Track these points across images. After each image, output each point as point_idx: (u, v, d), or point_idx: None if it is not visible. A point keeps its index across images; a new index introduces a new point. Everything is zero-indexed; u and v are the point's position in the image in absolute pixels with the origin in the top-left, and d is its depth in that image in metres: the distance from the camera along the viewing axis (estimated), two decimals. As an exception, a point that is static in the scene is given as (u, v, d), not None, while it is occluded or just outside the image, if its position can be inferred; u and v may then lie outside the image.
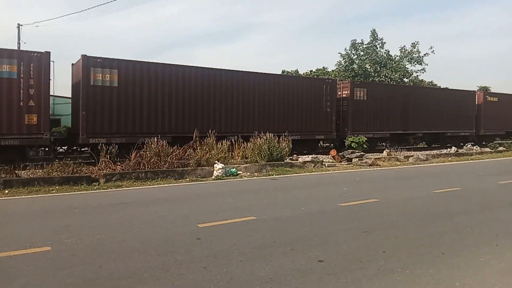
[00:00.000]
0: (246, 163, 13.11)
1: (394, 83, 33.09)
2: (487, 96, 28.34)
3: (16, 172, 10.56)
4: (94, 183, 10.01)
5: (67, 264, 4.40)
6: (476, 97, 27.74)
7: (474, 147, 23.14)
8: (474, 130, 26.74)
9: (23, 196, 8.61)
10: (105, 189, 9.59)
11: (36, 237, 5.40)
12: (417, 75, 37.91)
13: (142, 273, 4.17)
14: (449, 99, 25.52)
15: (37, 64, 12.51)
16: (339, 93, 20.76)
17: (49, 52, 12.79)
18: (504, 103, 28.86)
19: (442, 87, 34.95)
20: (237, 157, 13.72)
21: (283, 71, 38.35)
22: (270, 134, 14.00)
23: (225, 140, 13.65)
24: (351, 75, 35.46)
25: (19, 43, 30.53)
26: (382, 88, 23.32)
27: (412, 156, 17.64)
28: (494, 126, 28.05)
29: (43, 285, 3.84)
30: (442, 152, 20.38)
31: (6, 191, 8.93)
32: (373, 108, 21.43)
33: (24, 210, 7.43)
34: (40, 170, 10.68)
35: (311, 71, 39.09)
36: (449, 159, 18.51)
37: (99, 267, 4.33)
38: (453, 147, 22.08)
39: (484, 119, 27.38)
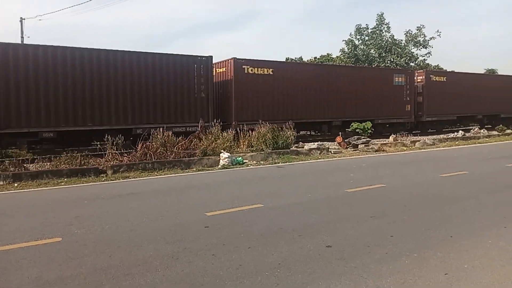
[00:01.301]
0: (252, 152, 13.13)
1: (400, 68, 32.70)
2: (246, 66, 16.79)
3: (25, 165, 10.67)
4: (102, 175, 10.08)
5: (78, 254, 4.47)
6: (229, 68, 16.67)
7: (482, 130, 22.94)
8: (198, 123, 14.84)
9: (33, 189, 8.71)
10: (113, 180, 9.67)
11: (47, 228, 5.48)
12: (424, 59, 37.59)
13: (152, 261, 4.23)
14: (148, 71, 14.73)
15: None
16: None
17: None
18: (295, 77, 18.10)
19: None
20: (242, 146, 13.74)
21: (287, 58, 38.15)
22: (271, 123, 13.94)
23: (229, 129, 13.67)
24: (353, 60, 35.19)
25: (22, 37, 30.56)
26: None
27: (419, 141, 17.57)
28: (257, 116, 16.13)
29: (56, 275, 3.90)
30: (449, 136, 20.25)
31: (16, 184, 9.03)
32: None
33: (34, 202, 7.52)
34: (48, 163, 10.78)
35: (315, 57, 38.85)
36: (456, 143, 18.41)
37: (109, 256, 4.39)
38: (460, 131, 21.91)
39: (237, 104, 16.60)
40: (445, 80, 23.79)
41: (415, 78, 23.04)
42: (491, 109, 26.35)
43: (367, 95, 20.55)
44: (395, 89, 21.80)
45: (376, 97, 20.88)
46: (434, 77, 23.47)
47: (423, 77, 23.06)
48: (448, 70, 30.73)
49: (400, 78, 22.03)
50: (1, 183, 9.12)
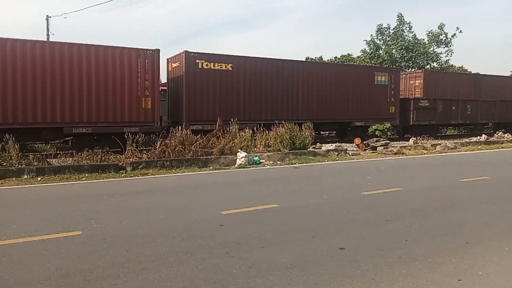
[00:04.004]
0: (269, 152, 13.16)
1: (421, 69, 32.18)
2: (201, 61, 15.78)
3: (48, 160, 11.00)
4: (122, 171, 10.31)
5: (97, 247, 4.61)
6: (181, 62, 15.81)
7: (506, 134, 22.32)
8: None
9: (55, 183, 8.98)
10: (132, 176, 9.88)
11: (68, 222, 5.66)
12: (447, 59, 36.99)
13: (167, 257, 4.33)
14: (83, 64, 13.42)
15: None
16: None
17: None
18: (260, 74, 16.93)
19: (472, 72, 33.49)
20: (259, 146, 13.79)
21: (306, 58, 37.99)
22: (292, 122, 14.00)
23: (247, 129, 13.73)
24: (378, 61, 34.80)
25: (48, 35, 31.40)
26: None
27: (440, 144, 17.25)
28: None
29: (75, 267, 4.04)
30: (472, 140, 19.80)
31: (39, 179, 9.34)
32: None
33: (56, 196, 7.77)
34: (70, 159, 11.09)
35: (335, 57, 38.54)
36: (479, 147, 17.98)
37: (127, 250, 4.52)
38: (483, 135, 21.37)
39: (189, 103, 15.65)
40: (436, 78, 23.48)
41: (403, 78, 22.68)
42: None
43: (345, 95, 19.29)
44: (378, 89, 20.28)
45: (355, 97, 19.54)
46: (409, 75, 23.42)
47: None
48: (472, 72, 29.94)
49: (383, 77, 20.60)
50: (26, 177, 9.45)
